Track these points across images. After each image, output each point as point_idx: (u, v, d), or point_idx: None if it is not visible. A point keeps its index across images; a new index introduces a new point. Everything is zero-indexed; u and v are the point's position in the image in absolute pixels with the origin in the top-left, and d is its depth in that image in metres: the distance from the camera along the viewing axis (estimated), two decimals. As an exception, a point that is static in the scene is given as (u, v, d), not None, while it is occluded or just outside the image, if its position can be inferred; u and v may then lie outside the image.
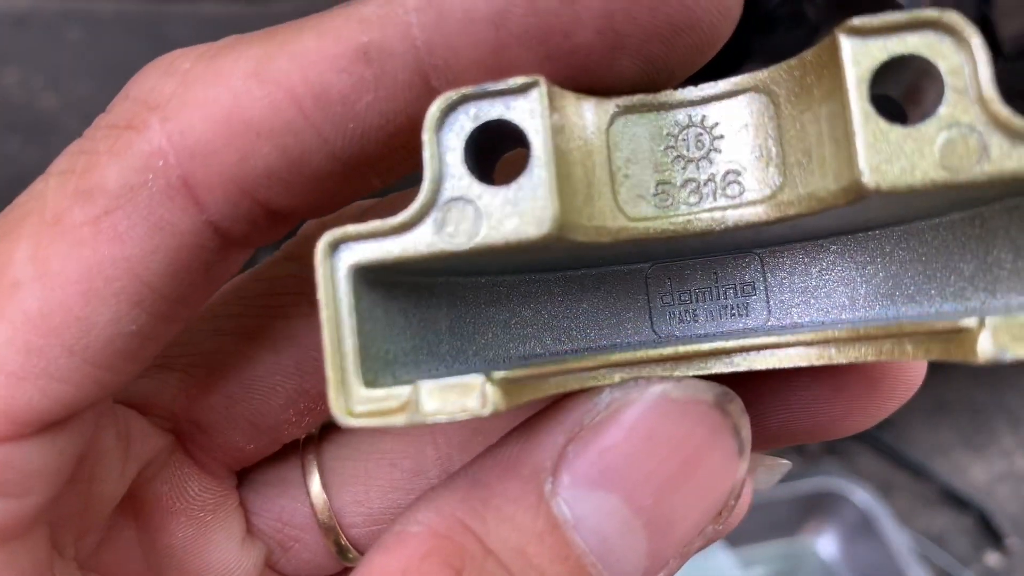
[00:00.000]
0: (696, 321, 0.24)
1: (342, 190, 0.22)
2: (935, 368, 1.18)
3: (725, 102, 0.22)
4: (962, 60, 0.18)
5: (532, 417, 0.24)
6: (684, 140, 0.22)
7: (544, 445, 0.20)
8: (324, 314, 0.19)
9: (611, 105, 0.21)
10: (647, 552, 0.19)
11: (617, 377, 0.21)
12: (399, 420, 0.19)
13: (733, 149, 0.21)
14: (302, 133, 0.20)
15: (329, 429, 0.31)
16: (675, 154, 0.22)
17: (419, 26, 0.19)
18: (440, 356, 0.22)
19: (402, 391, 0.19)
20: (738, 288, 0.24)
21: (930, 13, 0.18)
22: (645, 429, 0.19)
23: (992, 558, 1.20)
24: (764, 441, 0.25)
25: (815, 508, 1.12)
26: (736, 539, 1.08)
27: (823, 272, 0.24)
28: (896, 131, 0.18)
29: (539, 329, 0.24)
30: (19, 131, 1.59)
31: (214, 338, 0.28)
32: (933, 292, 0.22)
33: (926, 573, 1.04)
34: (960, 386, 1.40)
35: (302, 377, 0.28)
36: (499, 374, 0.19)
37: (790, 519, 1.12)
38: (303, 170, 0.21)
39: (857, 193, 0.19)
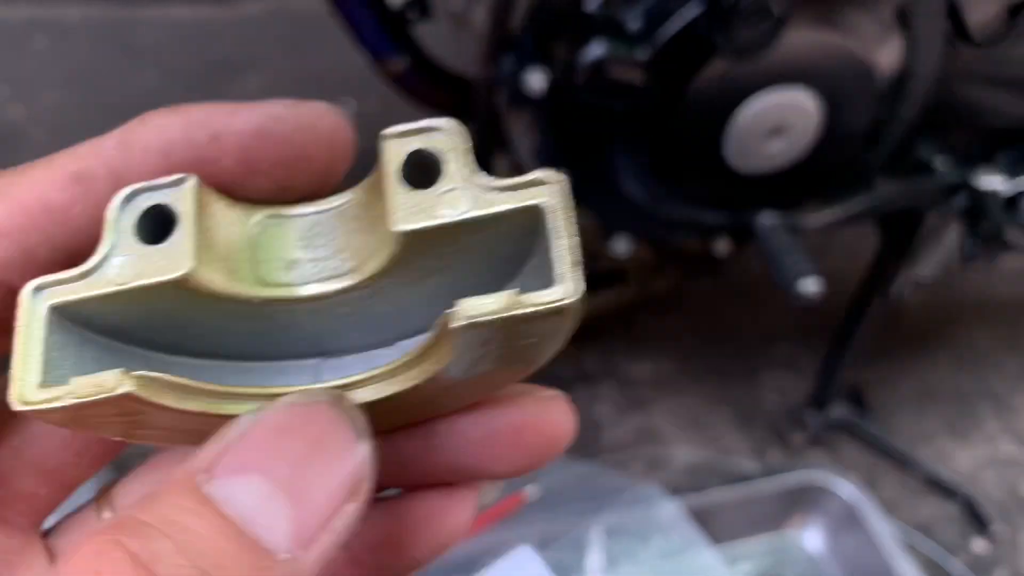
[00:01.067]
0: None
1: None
2: (919, 354, 1.17)
3: (328, 213, 0.28)
4: (458, 148, 0.25)
5: None
6: (310, 237, 0.28)
7: (197, 457, 0.24)
8: (19, 336, 0.25)
9: (257, 211, 0.28)
10: (292, 517, 0.23)
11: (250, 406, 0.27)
12: (56, 404, 0.24)
13: (333, 243, 0.27)
14: (30, 232, 0.27)
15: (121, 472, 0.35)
16: (304, 245, 0.28)
17: (115, 156, 0.27)
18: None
19: (61, 388, 0.24)
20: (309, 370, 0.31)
21: (436, 122, 0.25)
22: (276, 425, 0.25)
23: (979, 545, 1.20)
24: (443, 474, 0.31)
25: (800, 502, 1.11)
26: (720, 536, 1.07)
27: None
28: (416, 194, 0.24)
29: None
30: (-14, 143, 1.57)
31: None
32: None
33: (912, 563, 1.03)
34: (944, 373, 1.40)
35: None
36: (139, 372, 0.24)
37: (775, 514, 1.11)
38: (34, 260, 0.27)
39: (390, 241, 0.25)
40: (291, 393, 0.26)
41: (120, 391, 0.24)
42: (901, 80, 0.86)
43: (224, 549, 0.23)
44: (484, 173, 0.25)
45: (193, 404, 0.26)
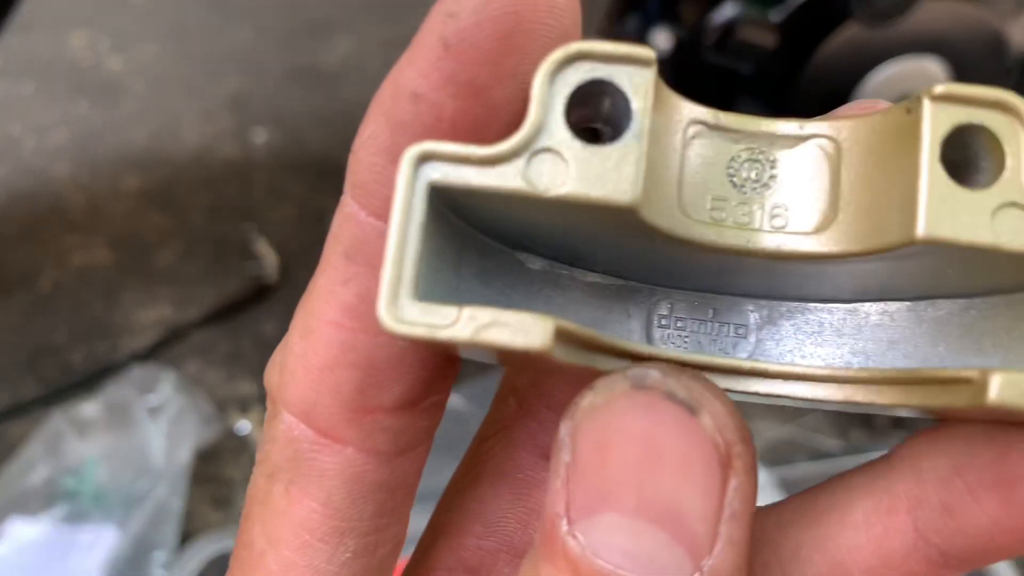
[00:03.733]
0: (685, 345, 0.26)
1: (422, 372, 0.26)
2: None
3: (790, 142, 0.23)
4: (1022, 145, 0.20)
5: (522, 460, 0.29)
6: (744, 169, 0.23)
7: (550, 493, 0.22)
8: (394, 223, 0.20)
9: (691, 112, 0.23)
10: (673, 539, 0.20)
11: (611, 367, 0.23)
12: (446, 335, 0.20)
13: (785, 188, 0.23)
14: (359, 348, 0.24)
15: None
16: (733, 179, 0.23)
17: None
18: (465, 302, 0.23)
19: (449, 310, 0.20)
20: (731, 328, 0.26)
21: (1008, 97, 0.20)
22: (591, 441, 0.21)
23: None
24: None
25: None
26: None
27: (810, 332, 0.26)
28: (958, 191, 0.20)
29: (556, 311, 0.25)
30: (87, 93, 1.60)
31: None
32: (913, 361, 0.24)
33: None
34: None
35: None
36: (561, 322, 0.20)
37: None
38: (383, 371, 0.25)
39: (908, 238, 0.20)
40: (651, 371, 0.22)
41: (532, 346, 0.19)
42: (1034, 54, 0.85)
43: None
44: None
45: (573, 359, 0.22)
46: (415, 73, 0.22)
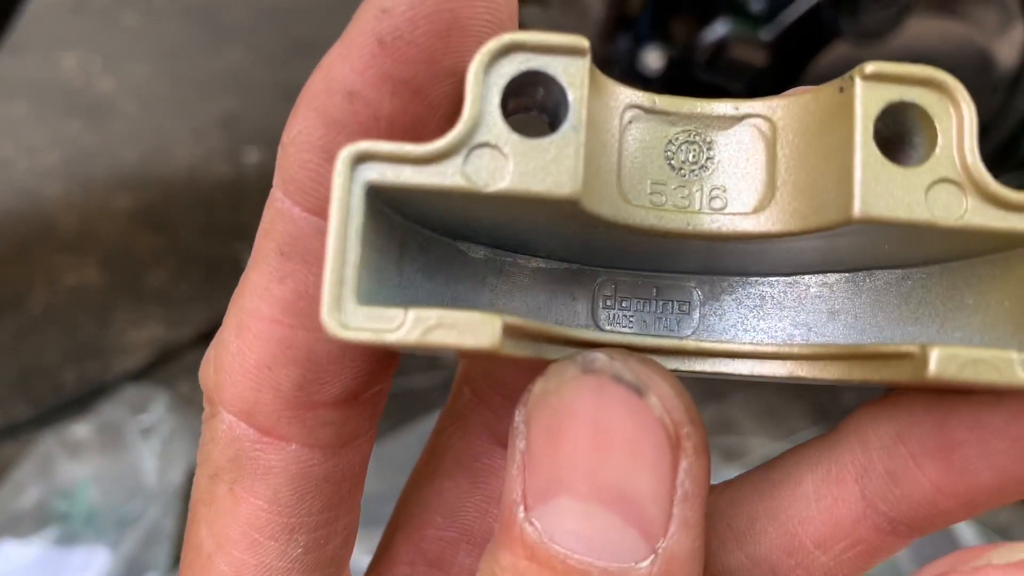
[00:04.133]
0: (631, 325, 0.26)
1: (358, 365, 0.26)
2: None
3: (726, 123, 0.23)
4: (953, 122, 0.20)
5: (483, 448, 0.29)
6: (682, 152, 0.23)
7: (508, 482, 0.22)
8: (332, 226, 0.20)
9: (627, 97, 0.23)
10: (626, 522, 0.21)
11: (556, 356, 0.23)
12: (393, 338, 0.19)
13: (723, 168, 0.23)
14: (298, 346, 0.24)
15: None
16: (671, 162, 0.23)
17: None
18: (410, 300, 0.23)
19: (395, 313, 0.19)
20: (674, 305, 0.26)
21: (937, 74, 0.20)
22: (543, 427, 0.21)
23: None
24: None
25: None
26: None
27: (752, 307, 0.26)
28: (892, 169, 0.20)
29: (493, 303, 0.25)
30: (79, 113, 1.60)
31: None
32: (851, 332, 0.25)
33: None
34: None
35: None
36: (508, 318, 0.20)
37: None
38: (324, 366, 0.25)
39: (845, 218, 0.20)
40: (599, 355, 0.22)
41: (481, 345, 0.19)
42: (1021, 72, 0.86)
43: None
44: (981, 163, 0.20)
45: (521, 351, 0.22)
46: (349, 70, 0.21)
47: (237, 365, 0.25)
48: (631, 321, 0.26)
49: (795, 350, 0.24)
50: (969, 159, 0.20)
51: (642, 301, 0.26)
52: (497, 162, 0.20)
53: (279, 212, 0.24)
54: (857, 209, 0.20)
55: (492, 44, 0.20)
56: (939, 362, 0.19)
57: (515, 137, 0.20)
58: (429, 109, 0.22)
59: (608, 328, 0.26)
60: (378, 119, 0.22)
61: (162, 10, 1.89)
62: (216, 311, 1.26)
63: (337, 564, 0.28)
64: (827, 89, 0.21)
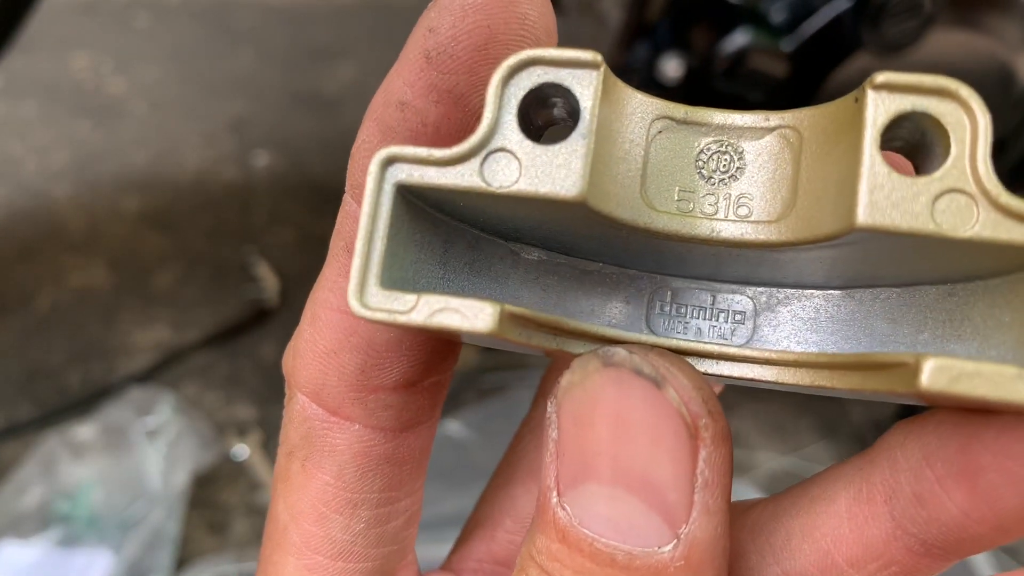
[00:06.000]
0: (686, 332, 0.26)
1: (425, 358, 0.28)
2: None
3: (756, 134, 0.23)
4: (967, 132, 0.20)
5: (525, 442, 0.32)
6: (712, 161, 0.24)
7: (544, 469, 0.23)
8: (364, 218, 0.22)
9: (657, 108, 0.24)
10: (649, 507, 0.22)
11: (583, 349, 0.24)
12: (403, 319, 0.21)
13: (751, 178, 0.23)
14: (360, 333, 0.27)
15: None
16: (700, 171, 0.24)
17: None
18: (439, 290, 0.25)
19: (409, 297, 0.21)
20: (729, 315, 0.26)
21: (951, 83, 0.20)
22: (571, 416, 0.23)
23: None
24: None
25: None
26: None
27: (806, 319, 0.26)
28: (897, 178, 0.20)
29: (543, 301, 0.27)
30: (88, 114, 1.60)
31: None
32: (900, 347, 0.25)
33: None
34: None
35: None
36: (509, 307, 0.21)
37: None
38: (382, 353, 0.27)
39: (849, 226, 0.20)
40: (619, 349, 0.23)
41: (485, 330, 0.21)
42: (1041, 87, 0.85)
43: (610, 575, 0.22)
44: (993, 174, 0.20)
45: (536, 341, 0.23)
46: (401, 83, 0.24)
47: (309, 350, 0.27)
48: (686, 327, 0.26)
49: (795, 358, 0.24)
50: (981, 169, 0.20)
51: (698, 308, 0.26)
52: (511, 166, 0.22)
53: (347, 213, 0.26)
54: (859, 217, 0.20)
55: (512, 59, 0.22)
56: (931, 373, 0.19)
57: (528, 143, 0.22)
58: (470, 115, 0.25)
59: (663, 333, 0.26)
60: (425, 124, 0.24)
61: (174, 13, 1.89)
62: (222, 314, 1.25)
63: (399, 543, 0.30)
64: (847, 99, 0.22)
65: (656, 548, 0.22)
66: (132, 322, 1.24)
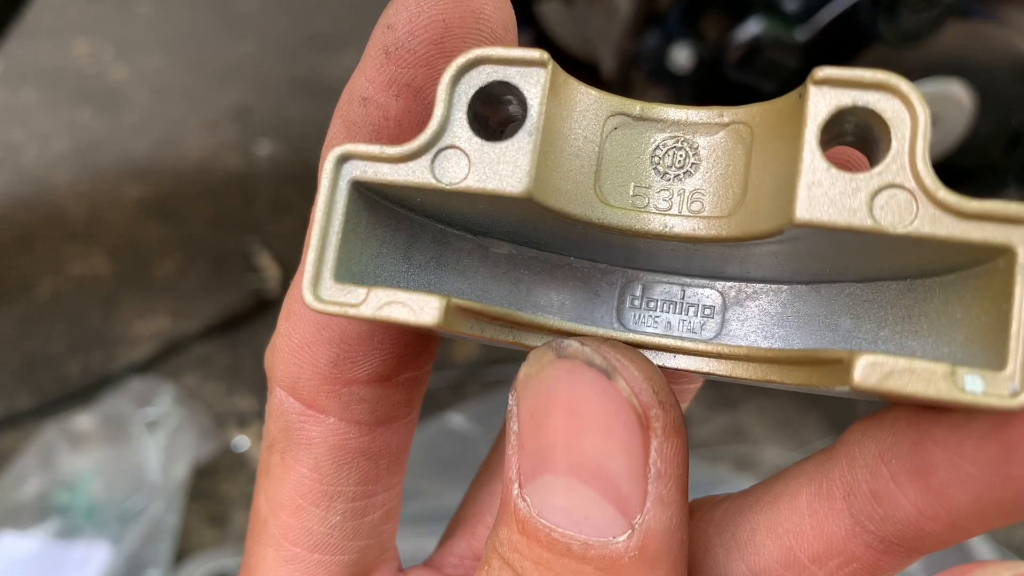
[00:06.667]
0: (656, 325, 0.27)
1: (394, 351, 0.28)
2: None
3: (711, 129, 0.23)
4: (907, 127, 0.20)
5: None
6: (668, 156, 0.24)
7: (507, 458, 0.24)
8: (319, 214, 0.23)
9: (612, 105, 0.24)
10: (603, 497, 0.22)
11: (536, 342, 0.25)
12: (353, 312, 0.22)
13: (705, 173, 0.23)
14: (332, 327, 0.27)
15: None
16: (656, 167, 0.24)
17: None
18: (403, 288, 0.25)
19: (361, 291, 0.22)
20: (699, 309, 0.27)
21: (891, 78, 0.20)
22: (528, 409, 0.23)
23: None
24: None
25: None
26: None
27: (774, 314, 0.26)
28: (836, 174, 0.20)
29: (512, 295, 0.27)
30: (90, 101, 1.59)
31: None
32: (863, 343, 0.25)
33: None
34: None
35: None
36: (457, 300, 0.22)
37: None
38: (354, 346, 0.27)
39: (787, 222, 0.20)
40: (572, 341, 0.23)
41: (427, 323, 0.21)
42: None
43: (567, 564, 0.22)
44: (932, 170, 0.19)
45: (490, 334, 0.24)
46: (363, 79, 0.25)
47: (284, 344, 0.28)
48: (656, 321, 0.27)
49: (734, 351, 0.24)
50: (920, 165, 0.19)
51: (667, 303, 0.27)
52: (460, 163, 0.22)
53: None
54: (797, 213, 0.20)
55: (461, 58, 0.22)
56: (863, 369, 0.19)
57: (477, 140, 0.22)
58: (430, 108, 0.24)
59: (633, 327, 0.27)
60: (387, 119, 0.25)
61: (176, -1, 1.88)
62: (223, 304, 1.24)
63: (377, 538, 0.31)
64: (793, 94, 0.22)
65: (611, 538, 0.22)
66: (132, 311, 1.23)
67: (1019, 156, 0.93)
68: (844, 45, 0.78)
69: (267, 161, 1.51)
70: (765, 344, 0.25)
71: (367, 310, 0.22)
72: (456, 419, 1.09)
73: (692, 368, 0.25)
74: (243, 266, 1.31)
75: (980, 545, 1.04)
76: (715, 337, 0.26)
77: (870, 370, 0.19)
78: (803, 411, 1.32)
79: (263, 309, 1.25)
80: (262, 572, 0.30)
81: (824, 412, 1.32)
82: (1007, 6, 0.81)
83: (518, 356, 0.24)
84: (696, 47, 0.82)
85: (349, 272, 0.23)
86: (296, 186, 1.46)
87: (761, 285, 0.26)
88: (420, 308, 0.21)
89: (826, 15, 0.77)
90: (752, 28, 0.78)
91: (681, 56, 0.82)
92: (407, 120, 0.25)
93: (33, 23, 1.30)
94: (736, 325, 0.26)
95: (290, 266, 1.31)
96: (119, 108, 1.58)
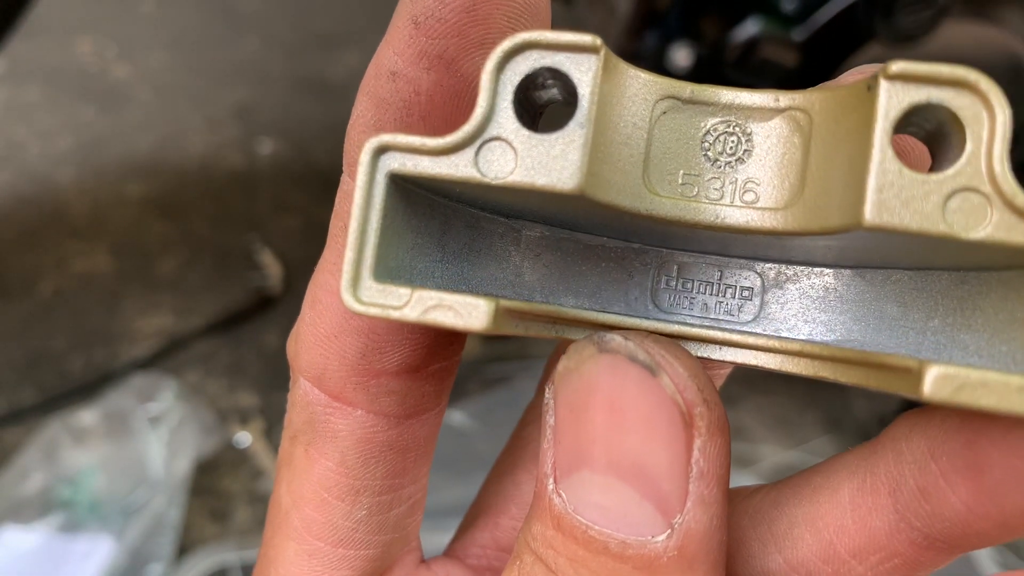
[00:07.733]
0: (692, 307, 0.26)
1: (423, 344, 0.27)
2: None
3: (766, 114, 0.22)
4: (984, 127, 0.19)
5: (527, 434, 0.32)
6: (719, 143, 0.23)
7: (541, 456, 0.23)
8: (356, 210, 0.21)
9: (661, 88, 0.23)
10: (643, 496, 0.21)
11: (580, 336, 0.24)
12: (396, 315, 0.21)
13: (759, 161, 0.22)
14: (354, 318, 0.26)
15: None
16: (706, 153, 0.23)
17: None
18: (438, 277, 0.25)
19: (404, 291, 0.21)
20: (736, 290, 0.26)
21: (970, 74, 0.19)
22: (567, 403, 0.22)
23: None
24: None
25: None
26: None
27: (815, 298, 0.25)
28: (908, 175, 0.19)
29: (545, 278, 0.26)
30: (93, 99, 1.60)
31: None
32: (910, 333, 0.24)
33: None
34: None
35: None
36: (504, 302, 0.21)
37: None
38: (383, 337, 0.26)
39: (856, 223, 0.19)
40: (615, 335, 0.23)
41: (472, 326, 0.20)
42: (1054, 80, 0.84)
43: (603, 563, 0.22)
44: (1011, 174, 0.19)
45: (534, 331, 0.23)
46: (391, 52, 0.23)
47: (310, 334, 0.27)
48: (692, 303, 0.26)
49: (803, 348, 0.23)
50: (997, 168, 0.18)
51: (704, 284, 0.26)
52: (507, 156, 0.20)
53: (345, 193, 0.25)
54: (867, 216, 0.19)
55: (506, 43, 0.20)
56: (934, 382, 0.18)
57: (524, 132, 0.20)
58: (462, 82, 0.23)
59: (668, 309, 0.26)
60: (418, 93, 0.23)
61: (179, -2, 1.88)
62: (225, 301, 1.25)
63: (402, 531, 0.30)
64: (859, 85, 0.20)
65: (649, 537, 0.21)
66: (135, 308, 1.24)
67: (1015, 156, 0.94)
68: (841, 44, 0.79)
69: (269, 159, 1.52)
70: (806, 328, 0.25)
71: (412, 313, 0.21)
72: (456, 416, 1.10)
73: (740, 360, 0.24)
74: (245, 264, 1.32)
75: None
76: (753, 320, 0.25)
77: (942, 383, 0.18)
78: (801, 409, 1.32)
79: (265, 307, 1.25)
80: (283, 565, 0.29)
81: (821, 411, 1.32)
82: (1002, 6, 0.82)
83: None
84: (695, 46, 0.83)
85: (387, 268, 0.22)
86: (298, 184, 1.47)
87: (803, 268, 0.25)
88: (468, 313, 0.20)
89: (823, 15, 0.77)
90: (750, 28, 0.78)
91: (680, 55, 0.83)
92: (439, 95, 0.24)
93: (37, 21, 1.31)
94: (775, 308, 0.25)
95: (292, 264, 1.32)
96: (122, 106, 1.59)
